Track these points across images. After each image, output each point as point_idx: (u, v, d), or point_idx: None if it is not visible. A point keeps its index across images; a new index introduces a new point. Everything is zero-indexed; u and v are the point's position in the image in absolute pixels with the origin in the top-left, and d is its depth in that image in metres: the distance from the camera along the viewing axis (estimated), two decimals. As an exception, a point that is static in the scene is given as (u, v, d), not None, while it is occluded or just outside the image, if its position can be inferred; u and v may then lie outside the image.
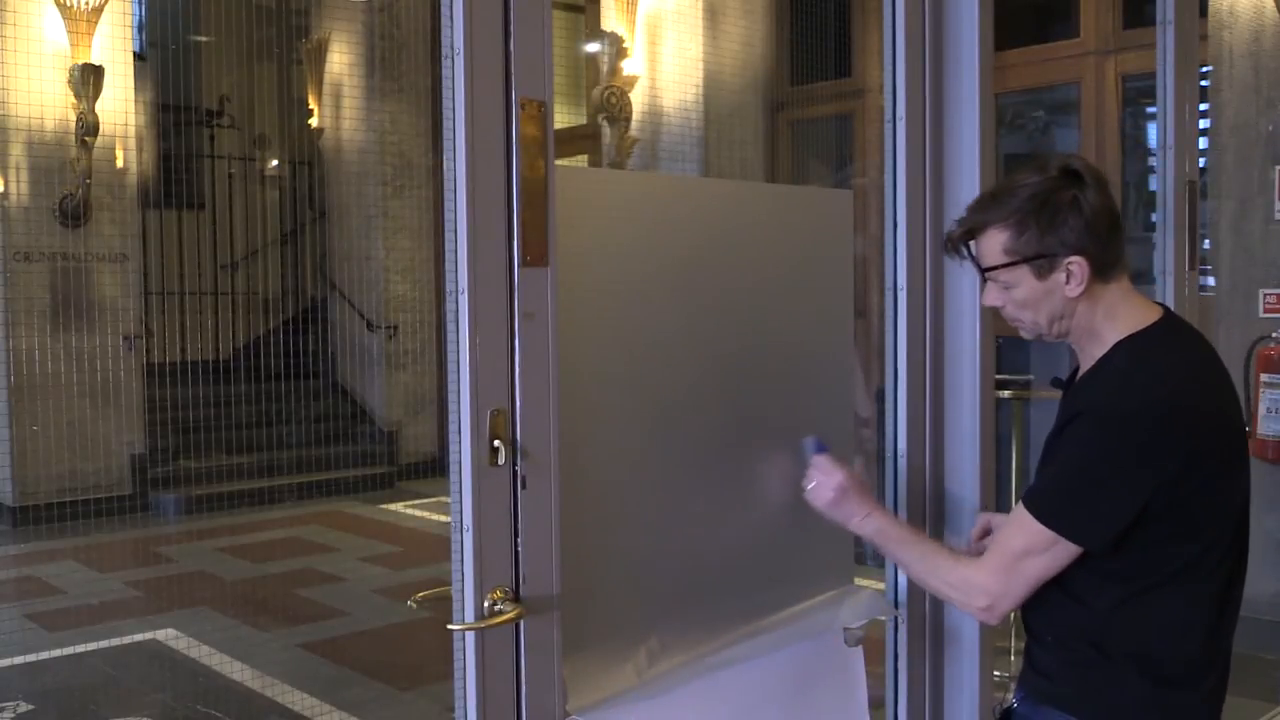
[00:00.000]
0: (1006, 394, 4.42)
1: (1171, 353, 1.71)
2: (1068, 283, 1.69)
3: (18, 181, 7.72)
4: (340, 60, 9.85)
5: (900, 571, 2.30)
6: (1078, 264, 1.68)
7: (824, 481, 1.94)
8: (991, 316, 2.34)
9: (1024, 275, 1.71)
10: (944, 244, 1.83)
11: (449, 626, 1.57)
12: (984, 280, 1.78)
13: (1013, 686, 1.88)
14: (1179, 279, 2.85)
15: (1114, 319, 1.72)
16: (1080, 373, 1.80)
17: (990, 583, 1.72)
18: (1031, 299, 1.73)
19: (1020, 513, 1.70)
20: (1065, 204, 1.68)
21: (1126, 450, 1.61)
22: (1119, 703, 1.69)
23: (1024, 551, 1.68)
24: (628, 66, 7.58)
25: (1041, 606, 1.75)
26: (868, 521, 1.90)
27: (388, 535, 7.69)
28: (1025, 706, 1.80)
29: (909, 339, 2.29)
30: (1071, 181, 1.69)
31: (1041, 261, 1.69)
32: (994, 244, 1.73)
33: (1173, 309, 2.82)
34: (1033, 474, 1.82)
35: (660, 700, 1.84)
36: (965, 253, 1.79)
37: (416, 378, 9.91)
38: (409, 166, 9.84)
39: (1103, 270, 1.70)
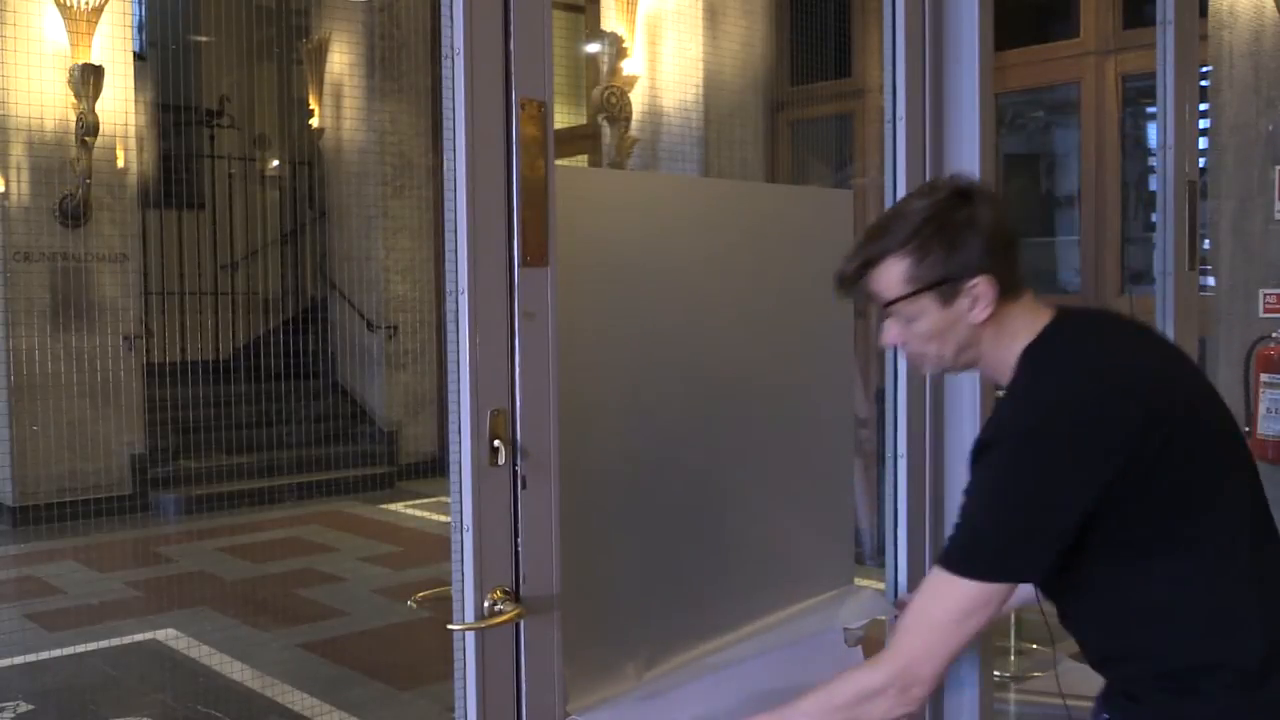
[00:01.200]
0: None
1: (1069, 346, 1.62)
2: (973, 307, 1.61)
3: (18, 181, 7.72)
4: (340, 60, 9.85)
5: (900, 572, 2.30)
6: (983, 285, 1.59)
7: None
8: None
9: (928, 304, 1.62)
10: (836, 284, 1.69)
11: (449, 626, 1.57)
12: (883, 316, 1.66)
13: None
14: (1179, 279, 2.85)
15: (1016, 338, 1.63)
16: None
17: (902, 661, 1.55)
18: (936, 330, 1.63)
19: (934, 577, 1.57)
20: (963, 223, 1.60)
21: (1049, 461, 1.51)
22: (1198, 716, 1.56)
23: (947, 618, 1.53)
24: (628, 66, 7.58)
25: (1090, 633, 1.64)
26: None
27: (388, 535, 7.69)
28: None
29: (909, 339, 2.28)
30: (963, 200, 1.62)
31: (946, 287, 1.60)
32: (893, 274, 1.62)
33: (1171, 309, 2.84)
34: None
35: (660, 701, 1.84)
36: (859, 291, 1.67)
37: (416, 378, 9.91)
38: (409, 166, 9.83)
39: (1006, 289, 1.61)
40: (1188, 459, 1.54)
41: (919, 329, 1.64)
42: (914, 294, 1.61)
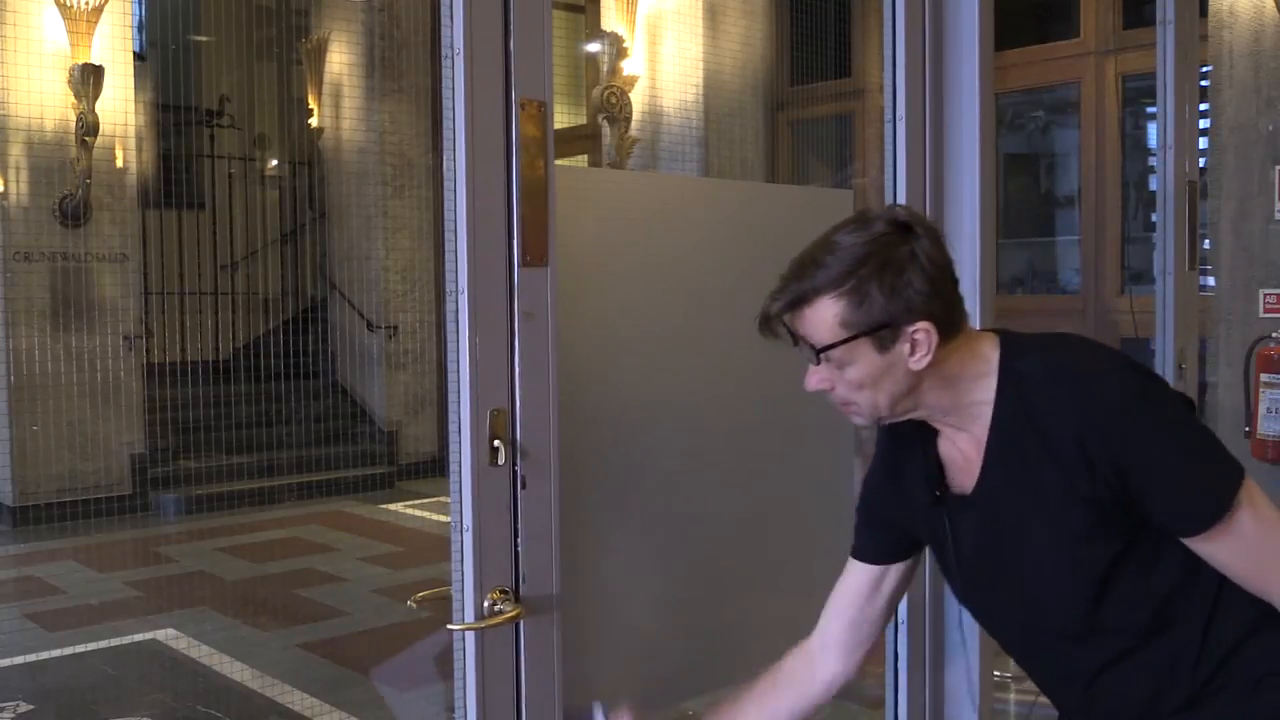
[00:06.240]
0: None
1: (1047, 342, 1.53)
2: (912, 353, 1.44)
3: (18, 181, 7.72)
4: (340, 60, 9.85)
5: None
6: (924, 331, 1.43)
7: None
8: (992, 313, 2.34)
9: (863, 350, 1.44)
10: (759, 324, 1.51)
11: (449, 626, 1.57)
12: (816, 360, 1.48)
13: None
14: (1179, 279, 2.85)
15: (964, 374, 1.49)
16: (947, 445, 1.56)
17: None
18: (870, 377, 1.46)
19: (1234, 523, 1.40)
20: (905, 260, 1.43)
21: (1169, 391, 1.49)
22: None
23: (1260, 530, 1.41)
24: (628, 66, 7.58)
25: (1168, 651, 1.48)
26: None
27: (388, 535, 7.69)
28: None
29: (909, 339, 2.28)
30: (904, 234, 1.45)
31: (885, 332, 1.43)
32: (826, 316, 1.44)
33: (1171, 309, 2.84)
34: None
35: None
36: (785, 330, 1.48)
37: (416, 378, 9.90)
38: (409, 166, 9.83)
39: (948, 332, 1.46)
40: None
41: (850, 375, 1.47)
42: (848, 340, 1.44)
